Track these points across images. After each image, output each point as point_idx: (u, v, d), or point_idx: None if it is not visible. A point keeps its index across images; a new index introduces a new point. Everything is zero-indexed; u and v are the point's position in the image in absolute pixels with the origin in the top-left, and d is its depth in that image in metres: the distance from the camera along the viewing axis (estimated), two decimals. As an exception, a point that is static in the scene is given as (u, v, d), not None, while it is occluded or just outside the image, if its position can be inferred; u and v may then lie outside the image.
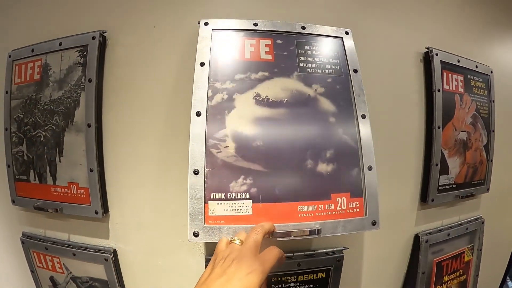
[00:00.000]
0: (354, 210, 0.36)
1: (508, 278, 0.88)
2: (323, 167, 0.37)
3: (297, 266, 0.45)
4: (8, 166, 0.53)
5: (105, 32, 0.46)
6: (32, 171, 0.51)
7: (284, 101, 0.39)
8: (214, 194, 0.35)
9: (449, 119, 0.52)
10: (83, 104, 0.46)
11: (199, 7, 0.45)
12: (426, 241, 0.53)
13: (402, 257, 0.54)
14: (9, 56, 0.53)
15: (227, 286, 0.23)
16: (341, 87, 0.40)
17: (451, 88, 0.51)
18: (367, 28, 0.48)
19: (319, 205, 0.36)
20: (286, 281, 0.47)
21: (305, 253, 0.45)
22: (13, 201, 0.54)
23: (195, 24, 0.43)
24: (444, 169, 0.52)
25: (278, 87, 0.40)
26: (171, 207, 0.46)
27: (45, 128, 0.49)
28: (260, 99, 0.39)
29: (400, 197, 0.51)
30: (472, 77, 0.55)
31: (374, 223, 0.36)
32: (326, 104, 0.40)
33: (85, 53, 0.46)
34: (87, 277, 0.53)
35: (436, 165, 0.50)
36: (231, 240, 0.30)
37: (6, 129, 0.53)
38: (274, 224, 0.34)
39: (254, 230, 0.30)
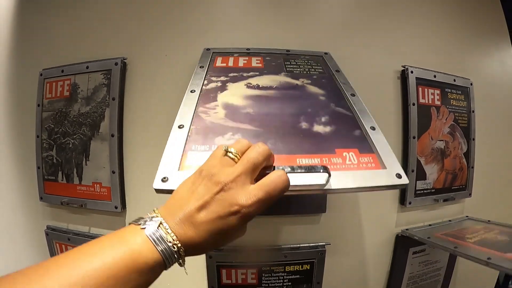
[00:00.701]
0: (369, 165, 0.34)
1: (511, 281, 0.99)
2: (320, 128, 0.39)
3: (284, 257, 0.61)
4: (38, 167, 0.72)
5: (126, 59, 0.65)
6: (60, 173, 0.70)
7: (274, 87, 0.47)
8: (196, 146, 0.35)
9: (425, 129, 0.66)
10: (107, 118, 0.64)
11: (202, 37, 0.63)
12: (406, 237, 0.67)
13: (385, 255, 0.69)
14: (41, 75, 0.73)
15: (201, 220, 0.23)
16: (326, 80, 0.50)
17: (426, 102, 0.66)
18: (346, 51, 0.64)
19: (324, 158, 0.34)
20: (275, 270, 0.62)
21: (291, 245, 0.61)
22: (40, 198, 0.73)
23: (200, 51, 0.60)
24: (421, 175, 0.66)
25: (268, 80, 0.50)
26: None
27: (74, 136, 0.68)
28: (251, 85, 0.47)
29: (381, 198, 0.66)
30: (450, 90, 0.69)
31: (399, 176, 0.33)
32: (315, 89, 0.48)
33: (109, 76, 0.65)
34: (104, 265, 0.70)
35: (412, 171, 0.64)
36: (226, 151, 0.27)
37: (37, 136, 0.73)
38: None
39: (256, 147, 0.27)
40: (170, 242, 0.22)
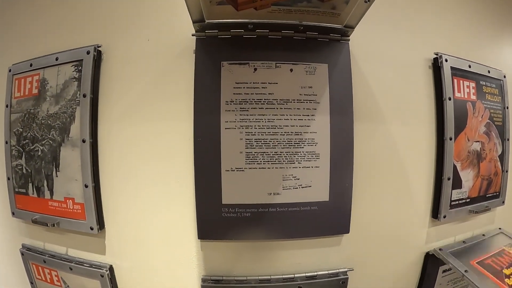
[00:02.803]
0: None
1: None
2: None
3: None
4: (8, 178, 0.52)
5: (100, 47, 0.44)
6: (30, 185, 0.50)
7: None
8: None
9: (461, 129, 0.47)
10: (78, 119, 0.44)
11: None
12: (436, 257, 0.48)
13: (412, 276, 0.50)
14: (9, 70, 0.53)
15: None
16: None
17: (462, 96, 0.47)
18: (371, 36, 0.44)
19: None
20: None
21: (307, 274, 0.42)
22: (13, 213, 0.52)
23: (188, 35, 0.41)
24: (457, 183, 0.47)
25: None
26: (167, 223, 0.43)
27: (43, 142, 0.48)
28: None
29: (410, 217, 0.47)
30: (484, 83, 0.50)
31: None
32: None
33: (80, 67, 0.45)
34: (84, 292, 0.51)
35: (448, 179, 0.45)
36: None
37: (6, 142, 0.52)
38: None
39: None
40: None
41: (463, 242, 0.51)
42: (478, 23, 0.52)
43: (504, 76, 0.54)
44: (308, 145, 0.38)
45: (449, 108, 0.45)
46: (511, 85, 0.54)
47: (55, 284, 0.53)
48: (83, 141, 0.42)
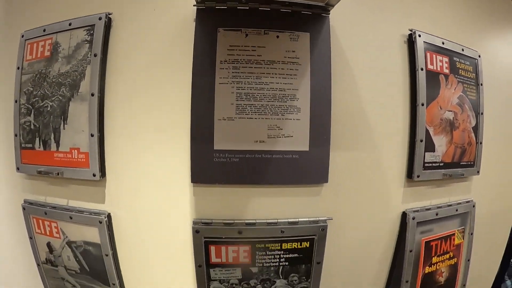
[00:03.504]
0: None
1: (506, 276, 0.88)
2: None
3: (281, 232, 0.51)
4: (16, 135, 0.62)
5: (111, 14, 0.55)
6: (37, 139, 0.59)
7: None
8: None
9: (433, 98, 0.57)
10: (88, 76, 0.54)
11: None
12: (413, 218, 0.57)
13: (390, 234, 0.59)
14: (22, 36, 0.63)
15: None
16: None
17: (435, 68, 0.57)
18: (351, 11, 0.54)
19: None
20: (270, 248, 0.52)
21: (289, 220, 0.51)
22: (17, 168, 0.62)
23: (189, 6, 0.51)
24: (430, 146, 0.56)
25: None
26: (163, 170, 0.52)
27: (52, 98, 0.57)
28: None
29: (386, 174, 0.56)
30: (458, 60, 0.60)
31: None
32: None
33: (92, 31, 0.55)
34: (81, 241, 0.59)
35: (421, 141, 0.55)
36: None
37: (16, 101, 0.62)
38: None
39: None
40: None
41: (438, 207, 0.60)
42: (455, 4, 0.63)
43: (479, 56, 0.64)
44: (291, 100, 0.48)
45: (421, 78, 0.54)
46: (485, 65, 0.64)
47: (54, 236, 0.61)
48: (92, 94, 0.52)
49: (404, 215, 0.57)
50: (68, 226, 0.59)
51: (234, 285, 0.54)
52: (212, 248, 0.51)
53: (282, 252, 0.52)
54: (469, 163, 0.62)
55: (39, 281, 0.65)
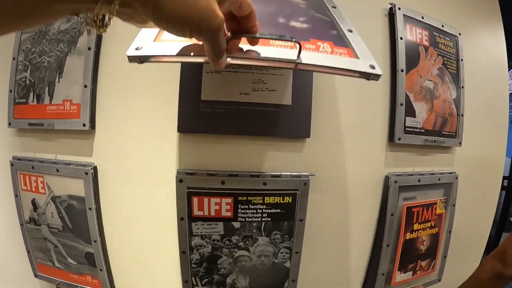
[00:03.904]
0: (343, 54, 0.33)
1: None
2: (298, 24, 0.36)
3: (264, 185, 0.53)
4: (10, 91, 0.65)
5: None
6: (32, 94, 0.62)
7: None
8: None
9: (413, 66, 0.61)
10: (86, 32, 0.58)
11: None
12: (395, 182, 0.59)
13: (373, 198, 0.61)
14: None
15: None
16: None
17: (414, 39, 0.62)
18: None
19: (297, 44, 0.29)
20: (253, 201, 0.53)
21: (271, 173, 0.53)
22: (9, 124, 0.64)
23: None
24: (410, 112, 0.60)
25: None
26: (153, 126, 0.55)
27: (50, 54, 0.61)
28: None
29: (368, 136, 0.59)
30: (438, 35, 0.65)
31: (373, 67, 0.31)
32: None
33: (93, -8, 0.60)
34: (66, 195, 0.60)
35: (401, 105, 0.58)
36: None
37: (13, 59, 0.66)
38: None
39: None
40: None
41: (420, 174, 0.62)
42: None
43: (459, 34, 0.69)
44: (276, 56, 0.52)
45: (401, 46, 0.59)
46: (466, 44, 0.69)
47: (40, 192, 0.63)
48: (89, 48, 0.56)
49: (386, 178, 0.60)
50: (54, 180, 0.61)
51: (215, 242, 0.55)
52: (195, 200, 0.52)
53: (264, 206, 0.53)
54: (450, 133, 0.65)
55: (21, 243, 0.65)
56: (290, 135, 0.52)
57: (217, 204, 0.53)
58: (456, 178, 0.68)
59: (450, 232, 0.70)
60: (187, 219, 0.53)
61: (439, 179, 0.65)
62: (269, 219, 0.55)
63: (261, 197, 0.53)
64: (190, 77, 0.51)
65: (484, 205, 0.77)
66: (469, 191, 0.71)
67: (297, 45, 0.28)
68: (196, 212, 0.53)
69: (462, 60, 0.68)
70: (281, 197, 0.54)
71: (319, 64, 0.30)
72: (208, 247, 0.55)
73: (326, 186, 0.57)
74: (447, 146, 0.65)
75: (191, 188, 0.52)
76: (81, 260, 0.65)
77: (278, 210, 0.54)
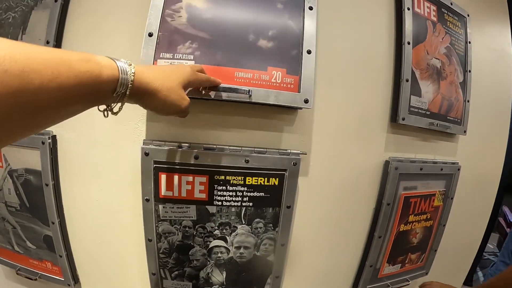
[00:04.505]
0: (289, 86, 0.37)
1: (478, 268, 0.75)
2: (264, 43, 0.38)
3: (245, 162, 0.39)
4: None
5: None
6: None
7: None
8: (163, 54, 0.36)
9: (420, 41, 0.48)
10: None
11: None
12: (396, 168, 0.46)
13: (371, 185, 0.47)
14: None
15: (169, 66, 0.29)
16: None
17: (422, 13, 0.49)
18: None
19: (255, 74, 0.37)
20: (232, 182, 0.39)
21: (256, 148, 0.39)
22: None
23: None
24: (416, 90, 0.46)
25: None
26: None
27: (16, 9, 0.48)
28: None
29: (368, 115, 0.45)
30: (446, 12, 0.53)
31: (306, 101, 0.37)
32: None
33: None
34: (23, 168, 0.46)
35: (407, 81, 0.45)
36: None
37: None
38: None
39: (203, 77, 0.32)
40: (128, 64, 0.22)
41: (423, 162, 0.49)
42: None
43: (468, 15, 0.56)
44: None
45: (408, 17, 0.46)
46: (474, 26, 0.56)
47: (-4, 165, 0.49)
48: (55, 0, 0.43)
49: (386, 164, 0.46)
50: (11, 151, 0.47)
51: (187, 229, 0.41)
52: (163, 177, 0.38)
53: (246, 188, 0.39)
54: (456, 119, 0.52)
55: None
56: (280, 103, 0.38)
57: (189, 183, 0.38)
58: (458, 169, 0.54)
59: (444, 225, 0.56)
60: (154, 201, 0.39)
61: (442, 169, 0.51)
62: (250, 204, 0.40)
63: (242, 177, 0.39)
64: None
65: (481, 200, 0.63)
66: (467, 184, 0.57)
67: (250, 91, 0.35)
68: (164, 192, 0.39)
69: (470, 42, 0.55)
70: (266, 178, 0.39)
71: (265, 102, 0.36)
72: (178, 234, 0.40)
73: (319, 168, 0.43)
74: (451, 133, 0.51)
75: (159, 163, 0.38)
76: (40, 244, 0.51)
77: (262, 194, 0.40)
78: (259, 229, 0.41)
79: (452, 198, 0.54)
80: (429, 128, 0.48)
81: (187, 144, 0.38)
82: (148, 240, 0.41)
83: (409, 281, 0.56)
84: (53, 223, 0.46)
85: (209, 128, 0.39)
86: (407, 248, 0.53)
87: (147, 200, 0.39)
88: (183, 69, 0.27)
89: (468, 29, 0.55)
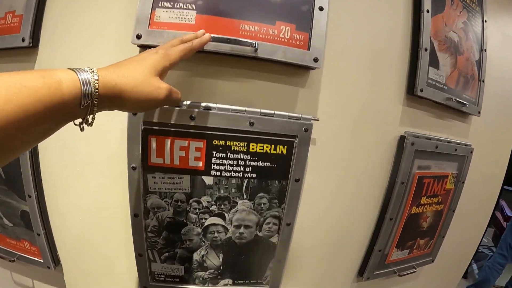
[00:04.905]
0: (298, 43, 0.31)
1: (472, 260, 0.68)
2: None
3: (250, 125, 0.30)
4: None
5: None
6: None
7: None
8: (163, 2, 0.29)
9: (439, 12, 0.41)
10: None
11: None
12: (412, 144, 0.38)
13: (384, 161, 0.39)
14: None
15: (133, 59, 0.23)
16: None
17: (439, -18, 0.43)
18: None
19: (262, 28, 0.30)
20: (233, 148, 0.31)
21: (262, 110, 0.31)
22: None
23: None
24: (434, 61, 0.39)
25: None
26: (105, 37, 0.33)
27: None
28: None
29: (384, 87, 0.38)
30: (461, -13, 0.47)
31: (316, 60, 0.30)
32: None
33: None
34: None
35: (425, 50, 0.38)
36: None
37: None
38: (214, 35, 0.28)
39: (178, 47, 0.25)
40: (90, 71, 0.19)
41: (438, 140, 0.41)
42: None
43: (481, -4, 0.50)
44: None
45: (427, -18, 0.40)
46: (491, 6, 0.50)
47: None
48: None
49: (402, 139, 0.39)
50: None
51: (179, 203, 0.32)
52: (153, 141, 0.30)
53: (249, 157, 0.31)
54: (471, 98, 0.46)
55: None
56: (287, 60, 0.30)
57: (184, 148, 0.30)
58: (471, 152, 0.46)
59: (453, 211, 0.48)
60: (142, 169, 0.30)
61: (456, 150, 0.44)
62: (254, 175, 0.32)
63: (245, 143, 0.30)
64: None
65: (488, 188, 0.55)
66: (476, 169, 0.49)
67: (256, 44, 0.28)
68: (154, 159, 0.30)
69: (486, 21, 0.49)
70: (273, 146, 0.31)
71: (272, 58, 0.29)
72: (169, 210, 0.32)
73: (329, 139, 0.35)
74: (466, 112, 0.44)
75: (149, 124, 0.29)
76: (17, 221, 0.41)
77: (268, 164, 0.31)
78: (262, 206, 0.33)
79: (463, 182, 0.47)
80: (445, 103, 0.40)
81: (182, 102, 0.30)
82: (134, 216, 0.32)
83: (415, 268, 0.49)
84: (29, 196, 0.38)
85: (209, 85, 0.31)
86: (416, 233, 0.45)
87: (134, 168, 0.31)
88: (150, 57, 0.23)
89: (484, 6, 0.49)
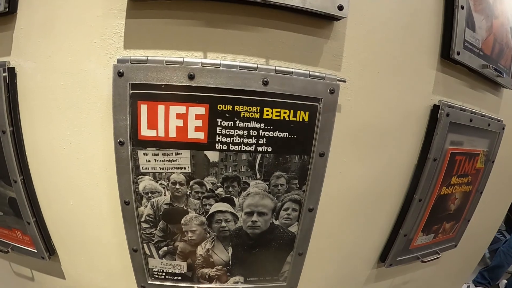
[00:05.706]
0: None
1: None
2: None
3: (264, 84, 0.19)
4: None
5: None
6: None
7: None
8: None
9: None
10: None
11: None
12: (448, 115, 0.27)
13: (414, 133, 0.28)
14: None
15: None
16: None
17: None
18: None
19: None
20: (242, 114, 0.20)
21: (277, 67, 0.20)
22: None
23: None
24: (470, 22, 0.28)
25: None
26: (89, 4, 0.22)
27: None
28: None
29: (416, 48, 0.26)
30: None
31: (340, 8, 0.20)
32: None
33: None
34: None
35: (462, 8, 0.27)
36: None
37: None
38: None
39: None
40: None
41: (472, 113, 0.30)
42: None
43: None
44: None
45: None
46: None
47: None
48: None
49: (435, 108, 0.27)
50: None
51: (177, 186, 0.21)
52: (143, 108, 0.19)
53: (262, 125, 0.20)
54: (505, 69, 0.35)
55: None
56: (307, 7, 0.19)
57: (181, 116, 0.19)
58: (503, 128, 0.35)
59: (481, 193, 0.37)
60: (131, 144, 0.20)
61: (489, 125, 0.32)
62: (269, 149, 0.21)
63: (258, 108, 0.20)
64: None
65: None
66: (505, 148, 0.37)
67: None
68: (145, 131, 0.20)
69: None
70: (292, 111, 0.20)
71: (288, 4, 0.18)
72: (165, 194, 0.21)
73: (355, 102, 0.24)
74: (499, 84, 0.33)
75: (138, 87, 0.19)
76: (6, 209, 0.32)
77: (286, 134, 0.21)
78: (279, 187, 0.22)
79: (493, 162, 0.35)
80: (481, 71, 0.30)
81: (179, 59, 0.19)
82: (125, 203, 0.22)
83: (439, 254, 0.37)
84: (15, 181, 0.28)
85: (212, 36, 0.20)
86: (443, 216, 0.34)
87: (121, 143, 0.20)
88: None
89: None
